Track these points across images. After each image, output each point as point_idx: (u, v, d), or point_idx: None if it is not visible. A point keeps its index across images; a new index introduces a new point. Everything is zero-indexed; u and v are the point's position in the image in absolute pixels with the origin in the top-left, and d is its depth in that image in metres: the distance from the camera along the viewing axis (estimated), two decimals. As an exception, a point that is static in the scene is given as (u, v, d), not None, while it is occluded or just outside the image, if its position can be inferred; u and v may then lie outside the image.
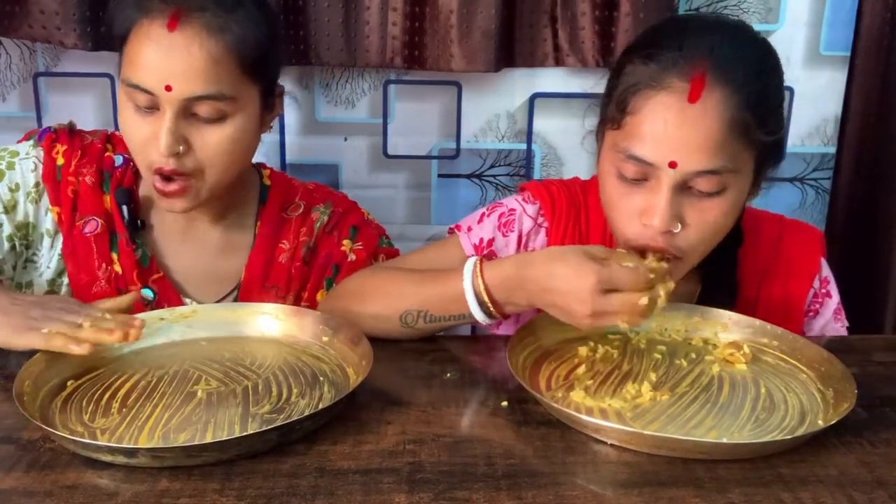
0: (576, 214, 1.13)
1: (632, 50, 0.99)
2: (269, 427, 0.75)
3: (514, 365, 0.89)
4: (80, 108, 1.49)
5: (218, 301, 1.15)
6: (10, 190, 1.10)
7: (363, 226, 1.22)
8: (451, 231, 1.16)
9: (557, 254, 0.90)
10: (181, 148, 1.01)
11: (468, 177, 1.57)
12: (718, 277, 1.09)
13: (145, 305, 1.12)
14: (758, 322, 1.02)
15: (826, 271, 1.15)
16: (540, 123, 1.54)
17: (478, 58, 1.41)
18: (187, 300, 1.15)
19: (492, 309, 0.95)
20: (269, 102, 1.10)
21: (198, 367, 0.93)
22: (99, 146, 1.15)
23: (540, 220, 1.13)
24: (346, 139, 1.54)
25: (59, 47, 1.42)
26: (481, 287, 0.94)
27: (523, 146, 1.55)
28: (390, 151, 1.55)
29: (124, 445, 0.75)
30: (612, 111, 0.97)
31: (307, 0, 1.41)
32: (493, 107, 1.53)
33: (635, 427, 0.81)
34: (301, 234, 1.18)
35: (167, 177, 1.04)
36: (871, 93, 1.48)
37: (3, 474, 0.73)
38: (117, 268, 1.12)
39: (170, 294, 1.14)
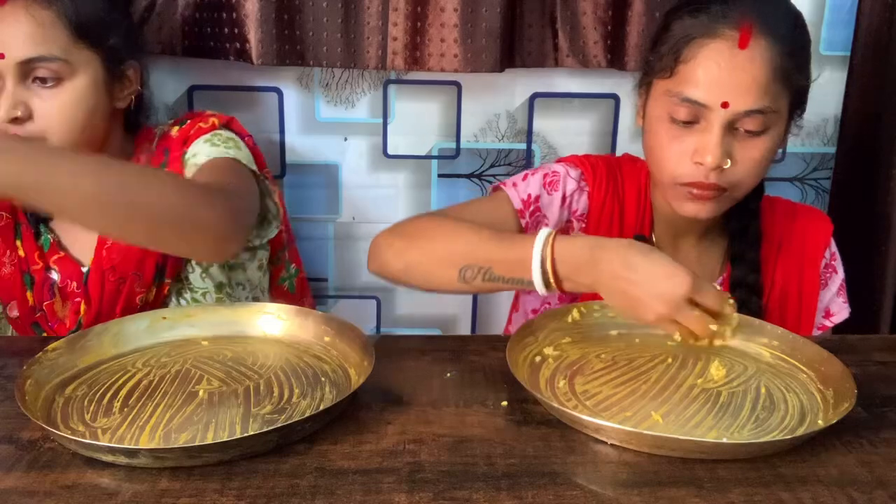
0: (614, 181, 1.19)
1: (677, 9, 1.08)
2: (271, 428, 0.75)
3: (514, 365, 0.89)
4: None
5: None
6: None
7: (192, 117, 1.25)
8: (496, 188, 1.19)
9: (637, 247, 0.90)
10: (19, 112, 1.07)
11: (468, 177, 1.57)
12: (744, 229, 1.18)
13: (52, 286, 1.18)
14: (757, 322, 1.02)
15: (834, 247, 1.22)
16: (540, 123, 1.54)
17: (479, 58, 1.40)
18: (85, 269, 1.19)
19: (552, 280, 0.93)
20: (117, 72, 1.15)
21: (199, 366, 0.93)
22: None
23: (582, 184, 1.18)
24: (346, 139, 1.54)
25: None
26: (548, 256, 0.93)
27: (523, 146, 1.55)
28: (390, 151, 1.55)
29: (125, 446, 0.75)
30: (663, 62, 1.06)
31: (306, 0, 1.41)
32: (493, 107, 1.53)
33: (635, 427, 0.81)
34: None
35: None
36: (871, 93, 1.48)
37: (3, 474, 0.73)
38: (21, 252, 1.19)
39: (70, 268, 1.19)
